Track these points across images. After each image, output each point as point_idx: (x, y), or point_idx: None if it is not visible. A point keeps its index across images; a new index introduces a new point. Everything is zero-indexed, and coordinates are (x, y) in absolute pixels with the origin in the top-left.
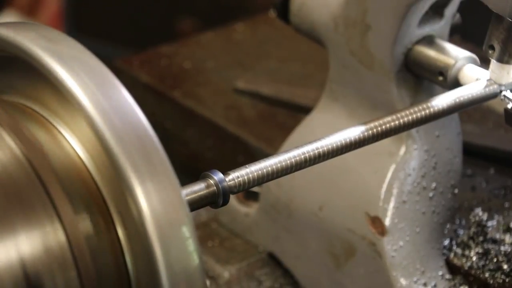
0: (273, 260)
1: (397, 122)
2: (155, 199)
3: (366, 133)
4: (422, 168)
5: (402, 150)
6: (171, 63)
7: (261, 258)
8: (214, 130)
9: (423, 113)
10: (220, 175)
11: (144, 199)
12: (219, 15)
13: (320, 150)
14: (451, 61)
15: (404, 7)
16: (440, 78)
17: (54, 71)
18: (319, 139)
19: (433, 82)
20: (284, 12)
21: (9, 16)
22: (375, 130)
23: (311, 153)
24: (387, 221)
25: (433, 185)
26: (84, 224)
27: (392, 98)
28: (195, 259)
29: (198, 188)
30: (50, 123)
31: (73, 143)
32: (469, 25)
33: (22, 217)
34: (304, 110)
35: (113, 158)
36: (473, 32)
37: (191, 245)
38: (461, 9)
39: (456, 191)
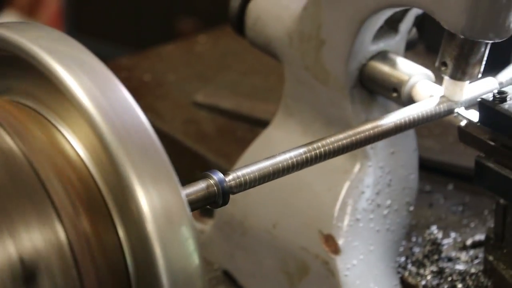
0: (228, 278)
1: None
2: (155, 199)
3: (319, 151)
4: (377, 185)
5: (357, 167)
6: (131, 76)
7: (216, 276)
8: (172, 145)
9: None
10: (220, 175)
11: (144, 199)
12: (219, 15)
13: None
14: (405, 77)
15: (357, 22)
16: (394, 94)
17: (54, 71)
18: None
19: (387, 98)
20: (239, 25)
21: (9, 16)
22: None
23: (312, 152)
24: (340, 240)
25: (388, 202)
26: (84, 224)
27: (347, 114)
28: (195, 259)
29: (198, 188)
30: (50, 122)
31: (73, 143)
32: (432, 36)
33: (21, 217)
34: (264, 125)
35: (113, 157)
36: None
37: (191, 245)
38: (422, 22)
39: (411, 208)
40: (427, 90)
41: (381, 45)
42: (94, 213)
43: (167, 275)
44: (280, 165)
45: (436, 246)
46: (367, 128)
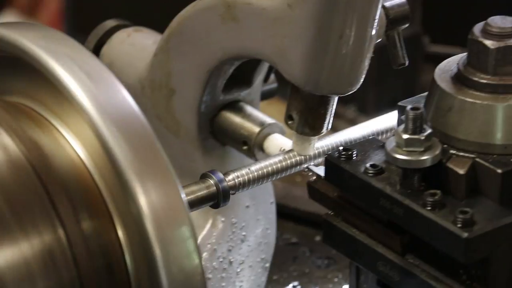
0: None
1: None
2: (155, 199)
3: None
4: (229, 242)
5: (209, 223)
6: None
7: None
8: None
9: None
10: (220, 175)
11: (144, 199)
12: None
13: None
14: (255, 130)
15: (205, 72)
16: (244, 147)
17: (54, 71)
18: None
19: (238, 151)
20: None
21: (9, 16)
22: None
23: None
24: None
25: (241, 259)
26: (84, 224)
27: (199, 167)
28: (195, 259)
29: (198, 188)
30: (50, 123)
31: (73, 143)
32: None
33: (22, 217)
34: None
35: (113, 158)
36: None
37: (191, 245)
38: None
39: (267, 264)
40: (278, 144)
41: (234, 95)
42: (94, 213)
43: (167, 275)
44: (279, 165)
45: None
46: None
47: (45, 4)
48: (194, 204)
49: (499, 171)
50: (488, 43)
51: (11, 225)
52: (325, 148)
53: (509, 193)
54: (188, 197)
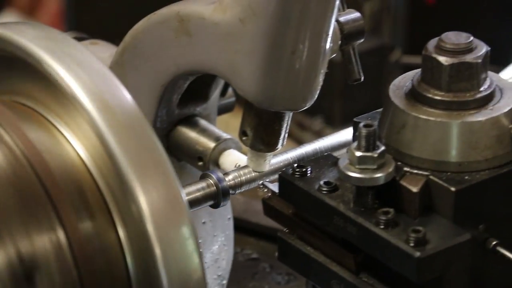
0: None
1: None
2: (155, 199)
3: None
4: None
5: None
6: None
7: None
8: None
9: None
10: (220, 174)
11: (144, 199)
12: None
13: None
14: (210, 145)
15: (159, 86)
16: (200, 163)
17: (54, 71)
18: None
19: (194, 167)
20: None
21: (9, 16)
22: None
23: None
24: None
25: None
26: (84, 224)
27: None
28: (195, 259)
29: (198, 188)
30: (50, 122)
31: (73, 143)
32: None
33: (21, 217)
34: None
35: (113, 158)
36: None
37: (191, 245)
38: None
39: (224, 282)
40: (233, 160)
41: (189, 110)
42: (94, 213)
43: (167, 275)
44: (278, 165)
45: None
46: None
47: (45, 4)
48: (194, 203)
49: (453, 189)
50: (442, 59)
51: (11, 225)
52: (281, 165)
53: (462, 211)
54: (188, 197)
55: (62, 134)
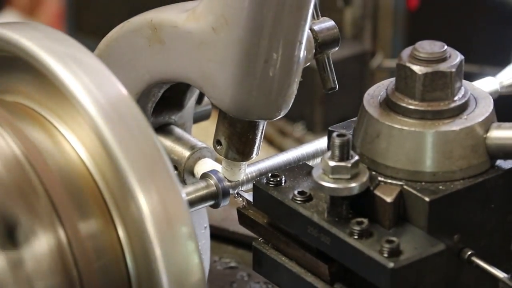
0: None
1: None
2: (155, 199)
3: None
4: None
5: None
6: None
7: None
8: None
9: None
10: (220, 175)
11: (145, 199)
12: None
13: None
14: (185, 154)
15: (133, 95)
16: (175, 172)
17: (54, 71)
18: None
19: None
20: None
21: (9, 16)
22: None
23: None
24: None
25: None
26: (85, 224)
27: None
28: (195, 259)
29: (198, 188)
30: (51, 123)
31: (74, 143)
32: None
33: (21, 217)
34: None
35: (114, 158)
36: None
37: (191, 245)
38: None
39: None
40: (208, 169)
41: (164, 118)
42: (94, 213)
43: (167, 275)
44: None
45: None
46: None
47: (45, 4)
48: (195, 203)
49: (427, 199)
50: (416, 68)
51: (11, 225)
52: (256, 174)
53: (437, 221)
54: (188, 197)
55: (62, 134)
